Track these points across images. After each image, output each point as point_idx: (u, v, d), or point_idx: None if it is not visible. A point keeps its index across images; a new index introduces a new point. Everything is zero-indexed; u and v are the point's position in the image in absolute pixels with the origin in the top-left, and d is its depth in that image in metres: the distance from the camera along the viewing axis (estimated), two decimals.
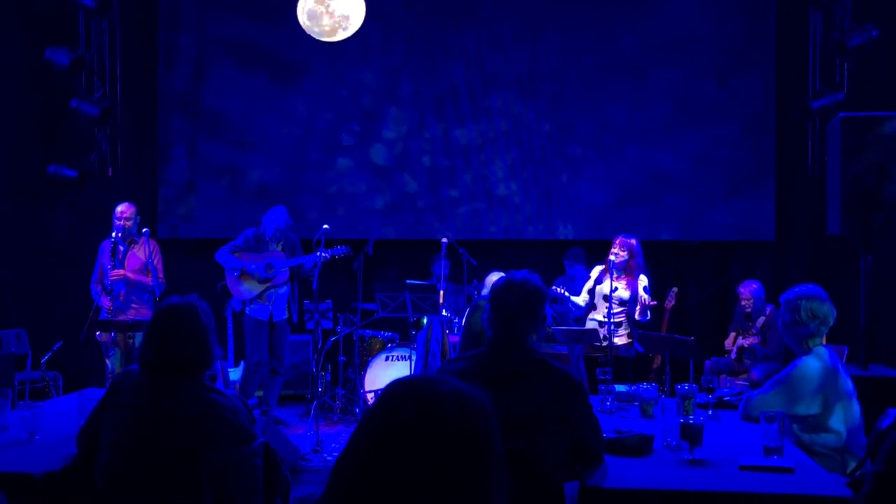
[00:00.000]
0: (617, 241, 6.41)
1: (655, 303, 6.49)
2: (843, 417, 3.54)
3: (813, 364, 3.59)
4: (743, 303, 7.26)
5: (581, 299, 6.63)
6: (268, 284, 6.94)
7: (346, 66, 8.42)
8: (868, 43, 7.21)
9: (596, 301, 6.48)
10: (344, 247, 6.89)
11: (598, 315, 6.44)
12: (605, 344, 6.20)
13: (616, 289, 6.29)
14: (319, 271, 6.61)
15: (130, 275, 6.43)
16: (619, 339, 6.40)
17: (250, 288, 6.95)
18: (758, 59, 8.19)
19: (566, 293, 6.65)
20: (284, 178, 8.49)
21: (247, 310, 7.00)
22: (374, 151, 8.47)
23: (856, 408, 3.60)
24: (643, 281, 6.39)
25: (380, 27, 8.20)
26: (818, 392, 3.53)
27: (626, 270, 6.40)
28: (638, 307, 6.32)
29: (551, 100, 8.39)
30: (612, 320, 6.25)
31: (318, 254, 6.64)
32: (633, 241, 6.42)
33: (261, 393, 7.05)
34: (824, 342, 3.74)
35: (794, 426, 3.56)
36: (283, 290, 7.03)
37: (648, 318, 6.44)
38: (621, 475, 2.88)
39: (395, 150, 8.48)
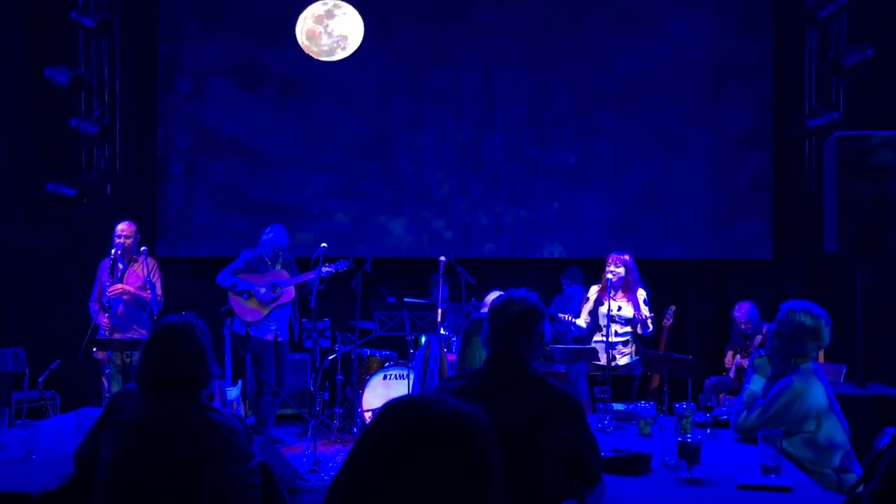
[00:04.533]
0: (611, 259, 6.41)
1: (654, 314, 6.49)
2: (832, 434, 3.54)
3: (802, 383, 3.58)
4: (741, 325, 7.28)
5: (582, 321, 6.60)
6: (274, 305, 6.92)
7: (345, 84, 8.44)
8: (863, 62, 7.27)
9: (601, 322, 6.44)
10: (345, 261, 6.90)
11: (604, 336, 6.42)
12: (612, 364, 6.19)
13: (620, 308, 6.31)
14: (318, 289, 6.60)
15: (130, 288, 6.44)
16: (626, 359, 6.39)
17: (256, 310, 6.94)
18: (754, 78, 8.24)
19: (571, 318, 6.64)
20: (284, 197, 8.48)
21: (251, 332, 6.96)
22: (373, 170, 8.48)
23: (844, 424, 3.60)
24: (642, 294, 6.41)
25: (378, 46, 8.24)
26: (808, 410, 3.53)
27: (624, 287, 6.41)
28: (639, 322, 6.32)
29: (548, 119, 8.42)
30: (618, 339, 6.25)
31: (321, 268, 6.64)
32: (627, 257, 6.46)
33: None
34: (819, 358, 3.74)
35: (785, 443, 3.56)
36: (286, 308, 7.02)
37: (651, 329, 6.43)
38: (619, 494, 2.88)
39: (393, 169, 8.49)
